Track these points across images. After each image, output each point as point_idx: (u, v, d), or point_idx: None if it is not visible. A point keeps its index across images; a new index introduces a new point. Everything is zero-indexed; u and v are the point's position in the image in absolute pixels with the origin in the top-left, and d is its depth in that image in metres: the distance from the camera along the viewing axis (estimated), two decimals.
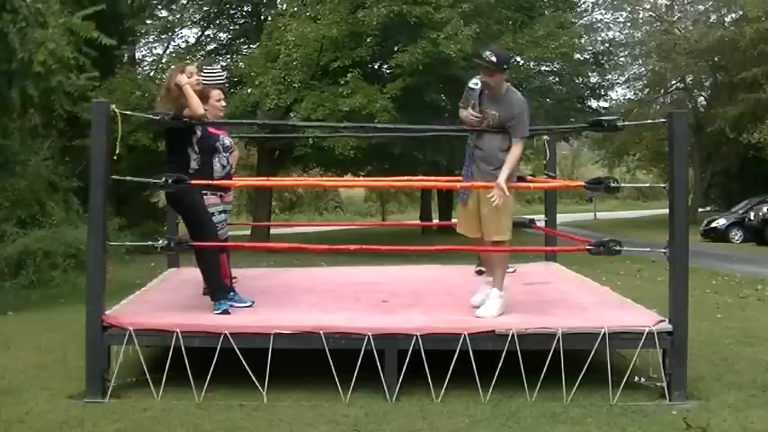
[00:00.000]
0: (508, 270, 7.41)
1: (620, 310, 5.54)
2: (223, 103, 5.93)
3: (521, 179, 5.88)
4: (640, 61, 32.70)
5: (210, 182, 5.57)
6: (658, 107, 32.01)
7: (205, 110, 5.54)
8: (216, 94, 5.83)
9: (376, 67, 19.71)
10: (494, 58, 5.14)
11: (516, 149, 5.21)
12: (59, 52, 9.43)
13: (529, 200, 34.49)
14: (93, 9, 10.93)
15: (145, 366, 4.97)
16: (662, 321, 4.93)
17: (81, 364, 5.02)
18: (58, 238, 11.03)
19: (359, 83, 16.56)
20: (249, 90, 17.60)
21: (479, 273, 6.52)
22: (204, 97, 5.59)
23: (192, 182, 5.19)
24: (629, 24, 32.83)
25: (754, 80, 25.15)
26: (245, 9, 22.51)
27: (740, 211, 24.08)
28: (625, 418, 4.42)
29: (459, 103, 5.64)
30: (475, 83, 5.36)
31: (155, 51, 23.43)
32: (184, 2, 21.54)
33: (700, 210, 31.28)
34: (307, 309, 5.57)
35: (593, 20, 29.67)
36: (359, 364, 4.72)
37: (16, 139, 12.46)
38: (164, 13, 22.01)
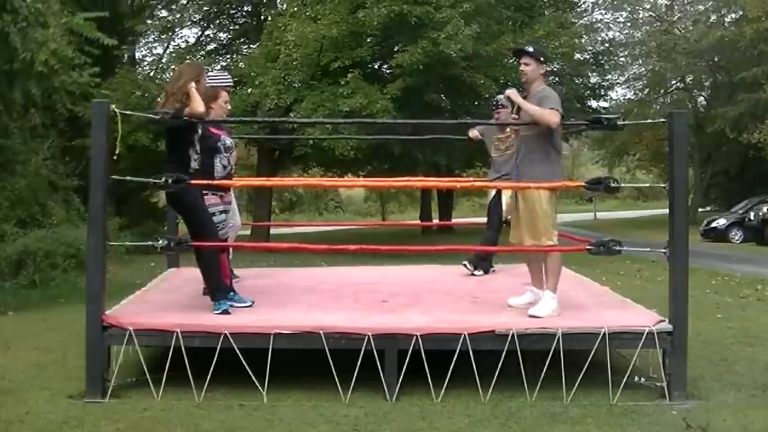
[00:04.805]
0: (491, 270, 7.53)
1: (620, 310, 5.54)
2: (229, 106, 6.07)
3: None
4: (640, 61, 32.72)
5: (210, 182, 5.58)
6: (658, 107, 32.02)
7: (211, 108, 5.60)
8: (224, 95, 5.95)
9: (376, 67, 19.72)
10: (530, 49, 5.50)
11: (547, 111, 5.17)
12: (61, 52, 9.45)
13: None
14: (95, 14, 11.02)
15: (145, 366, 4.96)
16: (662, 321, 4.93)
17: (81, 364, 5.01)
18: (58, 238, 11.02)
19: (359, 83, 16.56)
20: (249, 90, 17.61)
21: (465, 266, 7.36)
22: (213, 98, 5.68)
23: (193, 182, 5.19)
24: (629, 24, 32.88)
25: (754, 80, 25.13)
26: (245, 9, 22.53)
27: (740, 211, 24.08)
28: (625, 418, 4.42)
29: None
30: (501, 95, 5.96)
31: (155, 51, 23.53)
32: (184, 2, 21.56)
33: (700, 210, 31.29)
34: (307, 309, 5.57)
35: (593, 20, 29.76)
36: (359, 364, 4.72)
37: (17, 139, 12.47)
38: (164, 13, 22.07)
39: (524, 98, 5.39)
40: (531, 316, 5.14)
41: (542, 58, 5.45)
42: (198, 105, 5.21)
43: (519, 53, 5.53)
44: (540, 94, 5.31)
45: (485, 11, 17.27)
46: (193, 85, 5.24)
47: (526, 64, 5.39)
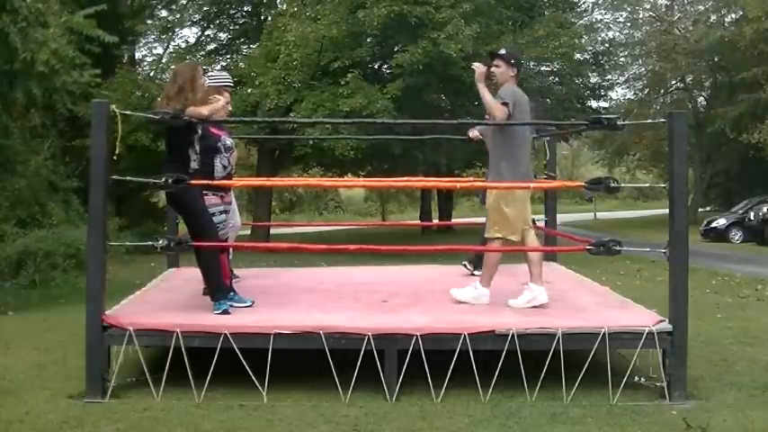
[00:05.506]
0: None
1: (620, 310, 5.54)
2: (230, 106, 6.09)
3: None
4: (640, 61, 32.71)
5: (210, 182, 5.58)
6: (658, 107, 32.03)
7: None
8: (225, 95, 5.97)
9: (376, 67, 19.72)
10: (502, 51, 5.71)
11: (499, 103, 5.41)
12: (62, 52, 9.46)
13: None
14: (94, 9, 10.98)
15: (145, 366, 4.97)
16: (662, 321, 4.93)
17: (81, 364, 5.01)
18: (58, 238, 11.02)
19: (359, 83, 16.57)
20: (249, 90, 17.61)
21: (465, 266, 7.36)
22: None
23: (192, 182, 5.19)
24: (629, 24, 32.86)
25: (754, 80, 25.14)
26: (245, 9, 22.53)
27: (740, 211, 24.09)
28: (625, 418, 4.42)
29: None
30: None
31: (155, 51, 23.55)
32: (184, 2, 21.56)
33: (700, 210, 31.29)
34: (307, 309, 5.57)
35: (593, 20, 29.67)
36: (359, 364, 4.72)
37: (17, 139, 12.47)
38: (164, 13, 22.07)
39: None
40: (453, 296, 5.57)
41: (513, 61, 5.62)
42: (205, 110, 5.25)
43: (491, 56, 5.73)
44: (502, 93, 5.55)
45: (485, 11, 17.27)
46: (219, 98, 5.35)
47: (497, 66, 5.61)
